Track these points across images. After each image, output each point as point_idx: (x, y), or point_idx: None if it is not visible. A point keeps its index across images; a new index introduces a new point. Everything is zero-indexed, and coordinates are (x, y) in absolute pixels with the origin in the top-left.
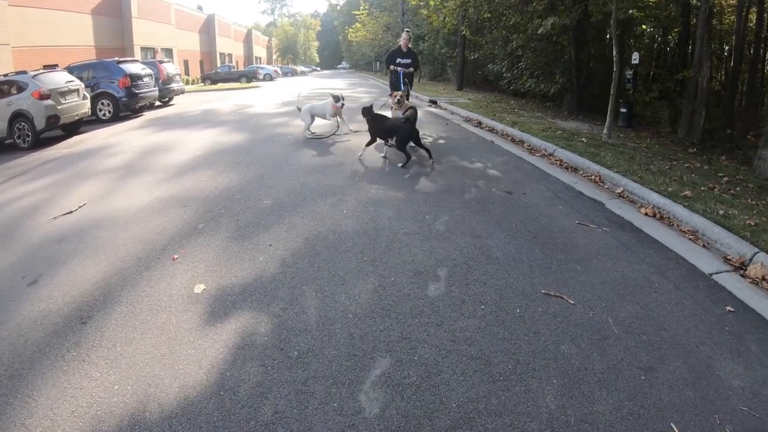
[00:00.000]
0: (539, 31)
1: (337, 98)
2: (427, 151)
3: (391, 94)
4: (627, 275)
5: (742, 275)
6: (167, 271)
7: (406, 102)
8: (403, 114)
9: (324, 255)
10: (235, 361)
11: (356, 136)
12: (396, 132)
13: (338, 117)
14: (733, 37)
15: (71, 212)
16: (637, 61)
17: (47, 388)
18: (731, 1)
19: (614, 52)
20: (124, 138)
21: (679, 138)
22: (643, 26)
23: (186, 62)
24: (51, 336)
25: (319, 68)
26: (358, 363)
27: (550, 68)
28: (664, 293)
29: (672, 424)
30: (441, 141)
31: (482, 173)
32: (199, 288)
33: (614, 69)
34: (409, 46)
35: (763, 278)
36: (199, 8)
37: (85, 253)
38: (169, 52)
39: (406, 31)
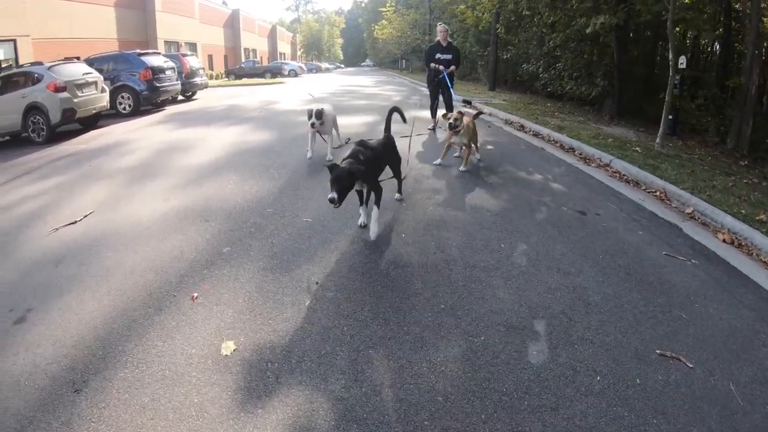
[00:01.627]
0: (587, 31)
1: (309, 115)
2: (399, 183)
3: (444, 116)
4: (732, 325)
5: None
6: (186, 316)
7: (459, 120)
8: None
9: (389, 300)
10: None
11: None
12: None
13: (323, 136)
14: None
15: (75, 222)
16: (684, 65)
17: None
18: None
19: (670, 56)
20: (142, 134)
21: (728, 149)
22: (677, 28)
23: (210, 57)
24: (35, 408)
25: (343, 65)
26: None
27: (590, 70)
28: None
29: None
30: (489, 146)
31: (545, 187)
32: (227, 347)
33: (670, 74)
34: (449, 39)
35: None
36: (224, 3)
37: (86, 282)
38: (192, 46)
39: (441, 23)
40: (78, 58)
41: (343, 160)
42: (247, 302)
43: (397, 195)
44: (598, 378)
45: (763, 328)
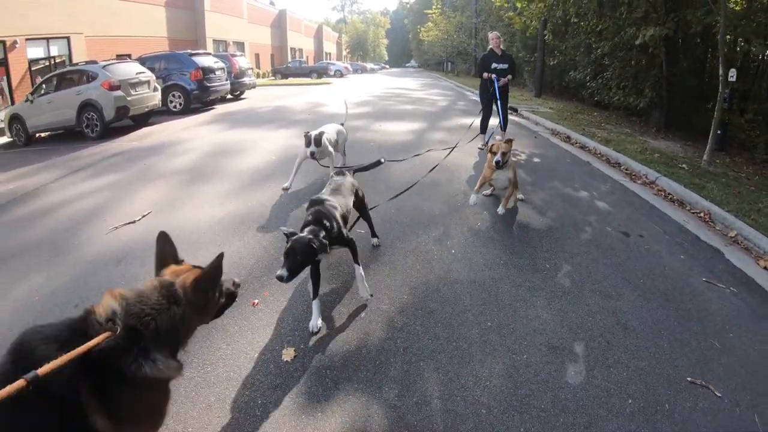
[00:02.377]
0: (636, 42)
1: (308, 141)
2: (370, 227)
3: (490, 147)
4: (765, 356)
5: None
6: (247, 321)
7: (508, 156)
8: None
9: (439, 316)
10: None
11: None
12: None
13: (320, 162)
14: None
15: (134, 222)
16: (734, 78)
17: None
18: None
19: (720, 70)
20: (193, 134)
21: None
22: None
23: (257, 56)
24: None
25: (387, 66)
26: None
27: (638, 80)
28: None
29: None
30: (536, 159)
31: (591, 206)
32: (288, 354)
33: (720, 89)
34: (502, 48)
35: None
36: (271, 3)
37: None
38: (240, 46)
39: (493, 31)
40: (129, 56)
41: (304, 226)
42: (305, 311)
43: (374, 240)
44: (630, 401)
45: None
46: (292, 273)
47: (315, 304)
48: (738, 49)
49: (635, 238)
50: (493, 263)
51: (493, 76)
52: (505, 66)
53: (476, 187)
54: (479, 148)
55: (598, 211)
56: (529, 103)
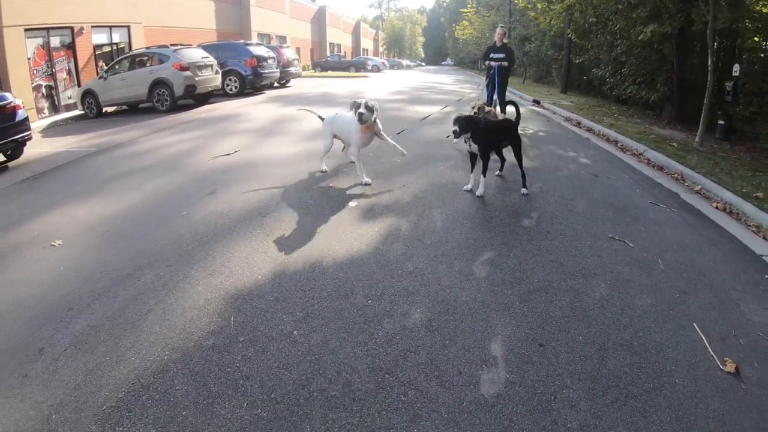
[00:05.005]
0: (639, 38)
1: (357, 106)
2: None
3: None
4: (683, 240)
5: None
6: (325, 193)
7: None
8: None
9: (445, 195)
10: (386, 241)
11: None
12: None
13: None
14: None
15: (228, 155)
16: (737, 73)
17: (240, 248)
18: None
19: (709, 62)
20: (252, 109)
21: None
22: (756, 38)
23: (298, 50)
24: (236, 222)
25: (423, 63)
26: (471, 252)
27: (652, 76)
28: (711, 256)
29: (694, 324)
30: (541, 133)
31: (574, 160)
32: (353, 204)
33: (708, 78)
34: (504, 41)
35: None
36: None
37: (250, 180)
38: (282, 40)
39: (501, 26)
40: (180, 45)
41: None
42: (361, 190)
43: (523, 189)
44: (561, 237)
45: (710, 247)
46: (461, 132)
47: (471, 175)
48: (762, 49)
49: (603, 179)
50: (486, 186)
51: (493, 63)
52: (502, 55)
53: None
54: None
55: (579, 163)
56: (553, 98)
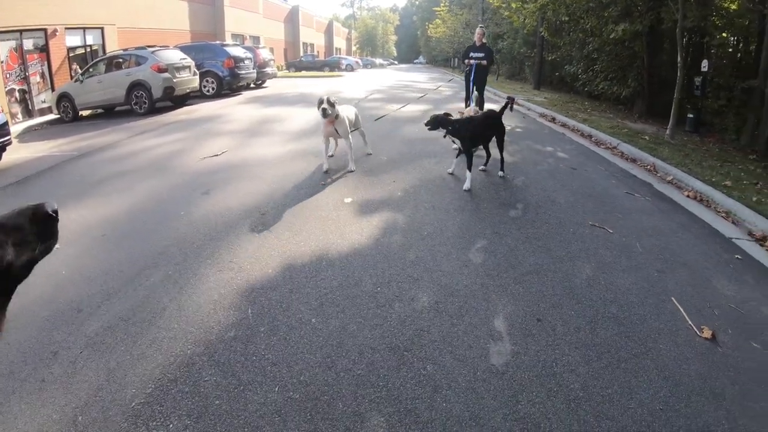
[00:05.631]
0: (611, 36)
1: (320, 102)
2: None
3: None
4: (657, 226)
5: (761, 245)
6: (320, 191)
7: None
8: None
9: (434, 190)
10: (385, 234)
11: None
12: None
13: (333, 139)
14: None
15: (217, 155)
16: (706, 69)
17: (245, 244)
18: None
19: (678, 58)
20: (232, 110)
21: (741, 145)
22: (724, 34)
23: (271, 50)
24: (236, 219)
25: (396, 62)
26: (466, 241)
27: (624, 72)
28: (684, 239)
29: (672, 298)
30: (518, 129)
31: (552, 154)
32: (348, 200)
33: (678, 74)
34: (483, 40)
35: None
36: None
37: (243, 180)
38: (256, 40)
39: (480, 26)
40: (154, 47)
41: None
42: (354, 186)
43: (500, 172)
44: (547, 225)
45: (683, 232)
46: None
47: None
48: (728, 45)
49: (580, 171)
50: (475, 178)
51: (472, 62)
52: (481, 55)
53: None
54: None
55: (557, 157)
56: (526, 95)
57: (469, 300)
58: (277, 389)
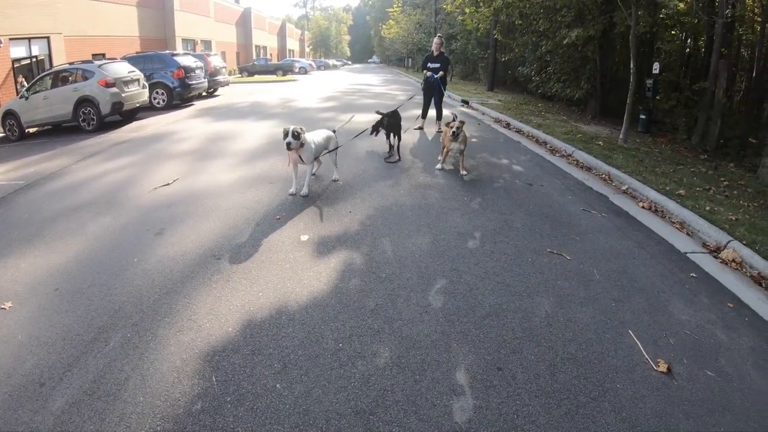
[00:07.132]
0: (565, 42)
1: (285, 135)
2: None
3: (448, 124)
4: (614, 246)
5: (714, 257)
6: (274, 227)
7: (460, 129)
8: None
9: (392, 220)
10: (343, 278)
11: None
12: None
13: (294, 166)
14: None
15: (168, 185)
16: (657, 71)
17: (202, 298)
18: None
19: (632, 65)
20: (183, 126)
21: (692, 145)
22: (673, 32)
23: (223, 54)
24: (193, 267)
25: (350, 62)
26: (425, 281)
27: (577, 74)
28: (640, 260)
29: (630, 331)
30: (474, 139)
31: (508, 168)
32: (304, 237)
33: (631, 80)
34: (441, 50)
35: (733, 260)
36: (236, 1)
37: (197, 215)
38: (207, 44)
39: (438, 36)
40: (104, 55)
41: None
42: (311, 220)
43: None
44: (505, 255)
45: (639, 251)
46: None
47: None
48: (675, 41)
49: (536, 187)
50: (428, 197)
51: (429, 73)
52: (438, 65)
53: (443, 157)
54: (415, 129)
55: (513, 171)
56: (480, 96)
57: (431, 352)
58: None
